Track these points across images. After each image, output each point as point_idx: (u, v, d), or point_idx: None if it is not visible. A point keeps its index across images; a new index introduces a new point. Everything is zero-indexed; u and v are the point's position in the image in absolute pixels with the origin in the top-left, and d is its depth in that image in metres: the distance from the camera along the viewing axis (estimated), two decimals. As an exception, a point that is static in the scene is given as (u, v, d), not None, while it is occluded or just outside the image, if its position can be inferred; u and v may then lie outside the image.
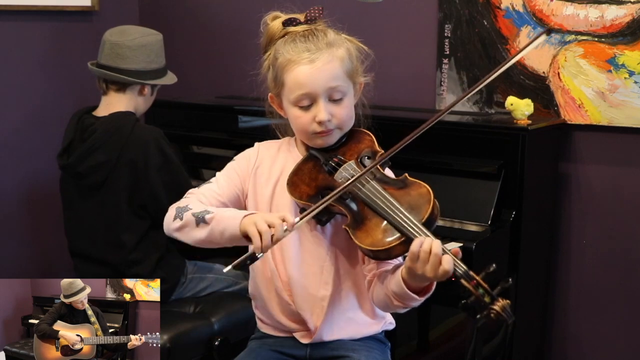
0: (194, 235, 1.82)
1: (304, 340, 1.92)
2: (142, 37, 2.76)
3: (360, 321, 1.94)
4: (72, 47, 3.59)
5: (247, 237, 1.71)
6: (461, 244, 2.51)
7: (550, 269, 3.01)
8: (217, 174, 1.97)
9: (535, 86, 2.93)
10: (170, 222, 1.86)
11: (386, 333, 2.01)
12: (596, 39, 2.81)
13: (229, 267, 1.67)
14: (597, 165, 2.90)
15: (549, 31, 1.85)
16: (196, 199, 1.89)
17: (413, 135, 1.80)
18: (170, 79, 2.89)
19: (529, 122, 2.74)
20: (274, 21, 1.90)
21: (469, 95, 1.93)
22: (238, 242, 1.74)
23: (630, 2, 2.74)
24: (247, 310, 2.14)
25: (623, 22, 2.76)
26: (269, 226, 1.67)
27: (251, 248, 1.69)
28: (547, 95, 2.92)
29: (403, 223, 1.69)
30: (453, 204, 2.67)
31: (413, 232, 1.68)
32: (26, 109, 3.48)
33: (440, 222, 2.63)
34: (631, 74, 2.76)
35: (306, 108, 1.83)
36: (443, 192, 2.69)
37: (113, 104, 2.75)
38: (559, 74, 2.89)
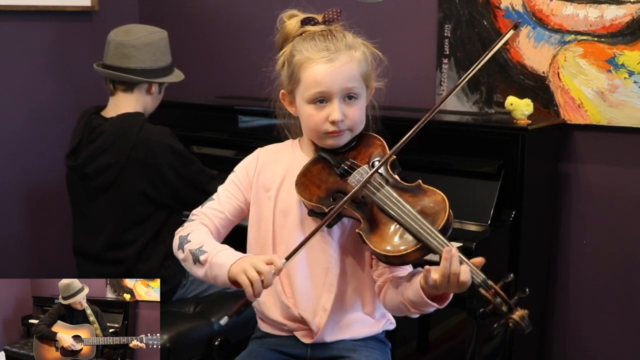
0: (195, 272, 1.86)
1: (306, 340, 1.92)
2: (147, 35, 2.76)
3: (361, 321, 1.94)
4: (72, 47, 3.60)
5: (236, 283, 1.73)
6: (461, 244, 2.51)
7: (550, 269, 3.01)
8: (219, 187, 1.98)
9: (535, 86, 2.93)
10: (175, 250, 1.90)
11: (387, 333, 2.01)
12: (596, 39, 2.81)
13: (226, 318, 1.72)
14: (597, 165, 2.90)
15: (516, 26, 1.89)
16: (199, 223, 1.91)
17: (415, 129, 1.79)
18: (177, 76, 2.89)
19: (529, 122, 2.74)
20: (291, 19, 1.90)
21: (458, 87, 1.95)
22: (230, 287, 1.77)
23: (630, 2, 2.74)
24: (248, 310, 2.14)
25: (623, 22, 2.76)
26: (259, 273, 1.69)
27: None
28: (546, 95, 2.92)
29: (420, 230, 1.69)
30: (453, 204, 2.66)
31: (431, 239, 1.68)
32: (26, 109, 3.48)
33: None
34: (631, 73, 2.76)
35: (320, 107, 1.83)
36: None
37: (121, 104, 2.75)
38: (558, 73, 2.89)
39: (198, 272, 1.83)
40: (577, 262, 2.98)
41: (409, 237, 1.71)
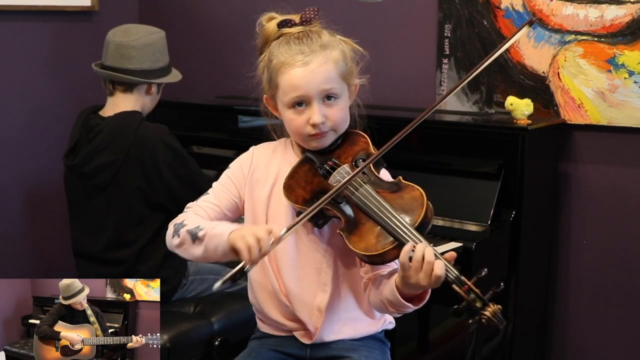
0: (192, 252, 1.85)
1: (305, 340, 1.92)
2: (146, 35, 2.76)
3: (359, 321, 1.94)
4: (72, 47, 3.60)
5: (235, 251, 1.72)
6: (461, 244, 2.52)
7: (550, 269, 3.01)
8: (214, 183, 1.98)
9: (535, 86, 2.93)
10: (170, 239, 1.89)
11: (386, 333, 2.01)
12: (596, 39, 2.81)
13: (220, 281, 1.69)
14: (597, 165, 2.90)
15: (531, 22, 1.85)
16: (193, 213, 1.91)
17: (402, 133, 1.77)
18: (175, 76, 2.89)
19: (529, 122, 2.74)
20: (269, 22, 1.89)
21: (459, 87, 1.92)
22: (230, 257, 1.76)
23: (630, 2, 2.74)
24: (247, 310, 2.14)
25: (623, 22, 2.76)
26: (257, 239, 1.68)
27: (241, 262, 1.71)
28: (547, 95, 2.92)
29: (396, 228, 1.69)
30: (453, 204, 2.67)
31: (406, 237, 1.67)
32: (26, 109, 3.48)
33: (440, 222, 2.66)
34: (631, 73, 2.76)
35: (300, 111, 1.82)
36: (443, 192, 2.71)
37: (119, 104, 2.75)
38: (558, 73, 2.89)
39: (197, 251, 1.82)
40: (577, 262, 2.98)
41: (387, 235, 1.70)
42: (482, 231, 2.61)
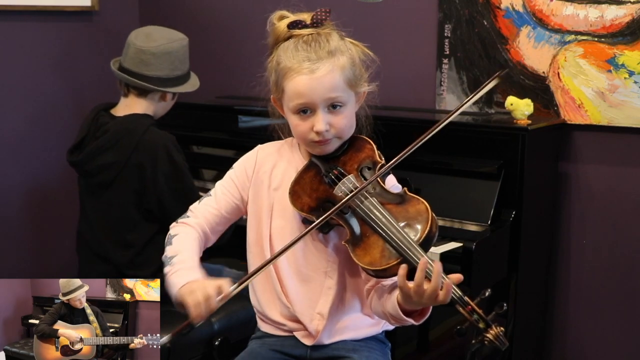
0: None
1: (305, 341, 1.91)
2: (167, 43, 2.75)
3: (361, 322, 1.94)
4: (72, 47, 3.60)
5: (182, 306, 1.74)
6: (461, 244, 2.52)
7: (550, 269, 3.01)
8: (217, 183, 1.97)
9: (535, 86, 2.93)
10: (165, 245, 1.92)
11: (386, 333, 2.01)
12: (596, 39, 2.81)
13: (167, 337, 1.74)
14: (597, 165, 2.90)
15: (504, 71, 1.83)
16: (191, 225, 1.91)
17: (409, 149, 1.78)
18: (192, 85, 2.87)
19: (529, 122, 2.74)
20: (280, 22, 1.85)
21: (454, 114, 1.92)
22: (180, 309, 1.77)
23: (630, 2, 2.74)
24: (247, 310, 2.14)
25: (623, 22, 2.76)
26: (205, 297, 1.70)
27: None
28: (547, 95, 2.92)
29: (400, 244, 1.68)
30: (453, 204, 2.67)
31: (410, 253, 1.67)
32: (26, 109, 3.48)
33: (440, 222, 2.64)
34: (631, 74, 2.76)
35: (305, 117, 1.81)
36: (443, 192, 2.71)
37: (132, 106, 2.75)
38: (558, 74, 2.89)
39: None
40: (577, 262, 2.98)
41: (392, 250, 1.69)
42: (482, 231, 2.61)
